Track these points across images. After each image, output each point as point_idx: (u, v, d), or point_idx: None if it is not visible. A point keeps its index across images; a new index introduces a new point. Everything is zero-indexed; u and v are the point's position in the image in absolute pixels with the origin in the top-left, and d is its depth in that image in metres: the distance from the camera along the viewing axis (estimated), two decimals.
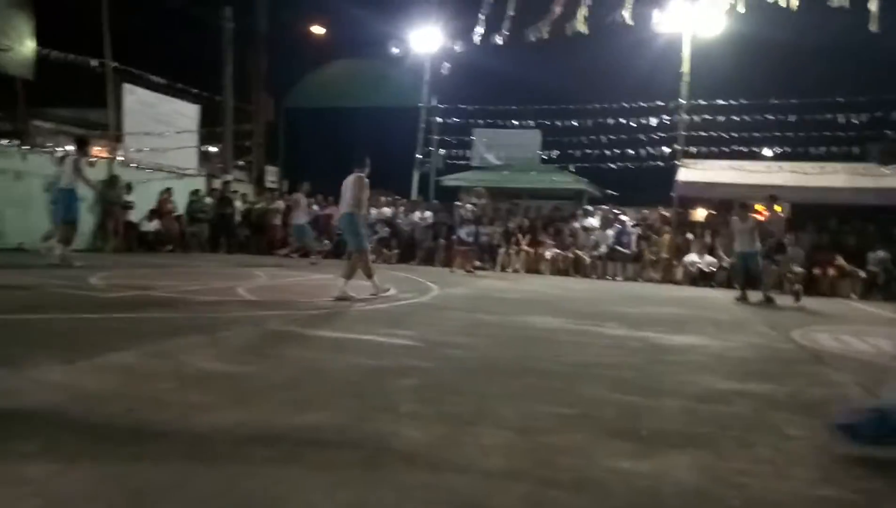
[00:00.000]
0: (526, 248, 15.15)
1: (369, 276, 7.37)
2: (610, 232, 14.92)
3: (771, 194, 12.12)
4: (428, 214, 16.33)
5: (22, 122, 14.85)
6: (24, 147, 12.14)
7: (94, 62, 14.36)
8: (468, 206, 13.65)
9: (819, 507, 2.11)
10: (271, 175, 20.66)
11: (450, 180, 20.57)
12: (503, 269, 14.85)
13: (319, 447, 2.34)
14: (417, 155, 19.88)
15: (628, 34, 14.33)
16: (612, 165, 18.54)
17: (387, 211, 16.91)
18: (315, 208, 16.90)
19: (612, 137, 18.01)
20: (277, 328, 4.98)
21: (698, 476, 2.27)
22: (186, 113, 17.57)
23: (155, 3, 17.41)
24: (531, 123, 20.10)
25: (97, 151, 14.47)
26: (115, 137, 15.01)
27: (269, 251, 15.42)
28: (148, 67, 16.21)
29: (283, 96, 22.25)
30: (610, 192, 20.47)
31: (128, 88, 15.58)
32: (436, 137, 20.84)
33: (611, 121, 17.79)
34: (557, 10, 12.99)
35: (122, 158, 15.02)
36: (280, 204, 16.76)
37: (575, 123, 18.55)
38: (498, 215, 16.42)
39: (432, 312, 6.64)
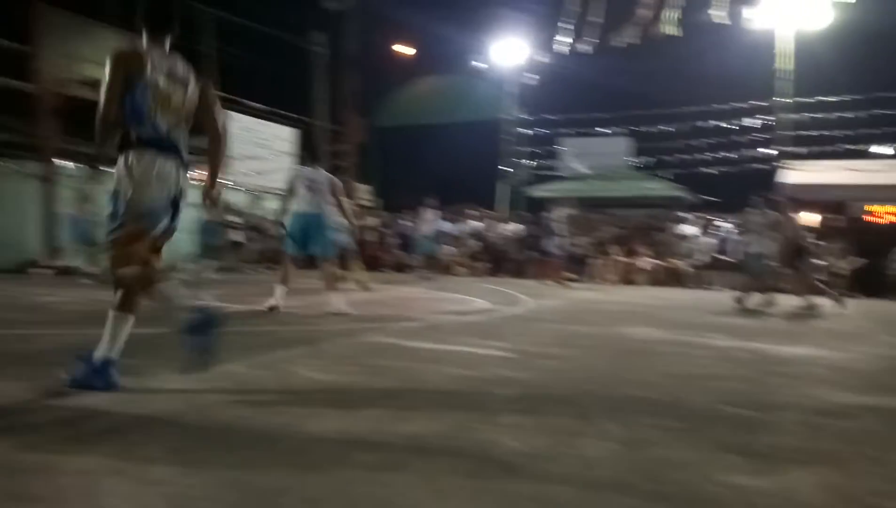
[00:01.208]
0: (619, 258, 14.76)
1: (330, 289, 6.87)
2: (710, 239, 14.29)
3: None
4: (517, 226, 16.27)
5: None
6: None
7: None
8: (557, 217, 13.45)
9: None
10: (364, 193, 21.28)
11: (537, 192, 20.42)
12: (595, 280, 14.53)
13: (423, 455, 2.35)
14: (504, 167, 19.86)
15: (719, 32, 13.78)
16: (707, 170, 17.80)
17: (476, 224, 16.99)
18: (405, 223, 17.25)
19: (706, 140, 17.32)
20: (375, 339, 5.08)
21: (827, 495, 2.10)
22: (283, 136, 18.42)
23: (252, 33, 18.39)
24: (620, 129, 19.65)
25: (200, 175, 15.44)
26: None
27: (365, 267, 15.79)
28: (248, 94, 17.17)
29: (372, 116, 22.90)
30: (707, 198, 19.63)
31: (230, 116, 16.53)
32: (522, 148, 20.77)
33: (704, 123, 17.11)
34: (644, 12, 12.67)
35: (226, 182, 15.91)
36: (372, 221, 17.20)
37: (666, 128, 17.98)
38: (588, 225, 16.12)
39: (525, 323, 6.58)
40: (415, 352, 4.56)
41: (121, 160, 3.07)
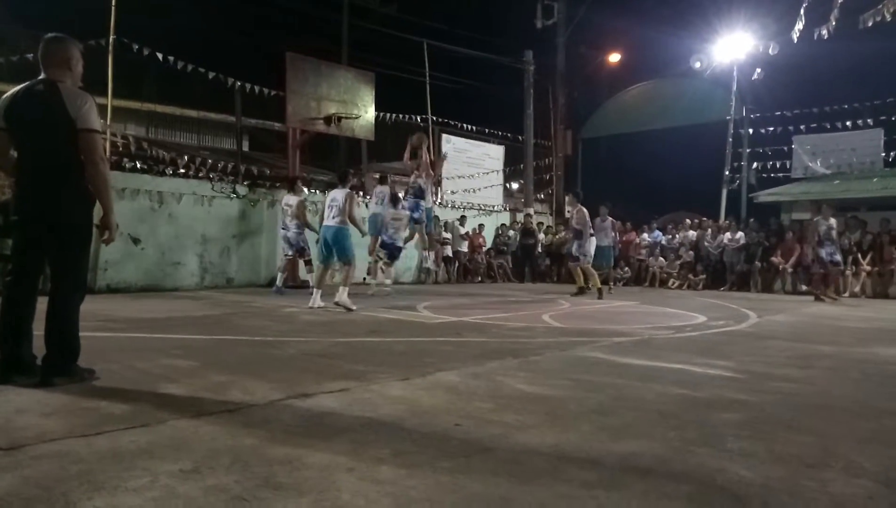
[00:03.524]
0: (866, 267, 12.87)
1: (345, 284, 8.04)
2: None
3: None
4: (739, 235, 14.93)
5: (365, 176, 17.65)
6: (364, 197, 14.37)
7: (418, 119, 16.53)
8: (828, 223, 11.55)
9: None
10: (570, 206, 21.10)
11: (764, 196, 18.56)
12: (838, 293, 12.81)
13: (640, 475, 2.25)
14: (726, 172, 18.35)
15: None
16: None
17: (691, 234, 15.93)
18: (614, 234, 16.74)
19: None
20: (584, 354, 4.99)
21: None
22: (493, 155, 19.01)
23: (462, 60, 19.29)
24: (870, 122, 17.13)
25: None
26: (435, 182, 16.91)
27: (570, 280, 15.64)
28: (461, 116, 18.05)
29: (579, 128, 22.67)
30: None
31: (445, 138, 17.50)
32: (746, 150, 19.06)
33: None
34: None
35: (440, 201, 16.82)
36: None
37: None
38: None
39: (752, 341, 6.01)
40: (628, 368, 4.39)
41: None
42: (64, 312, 3.49)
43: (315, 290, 8.29)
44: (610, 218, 13.34)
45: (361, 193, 15.17)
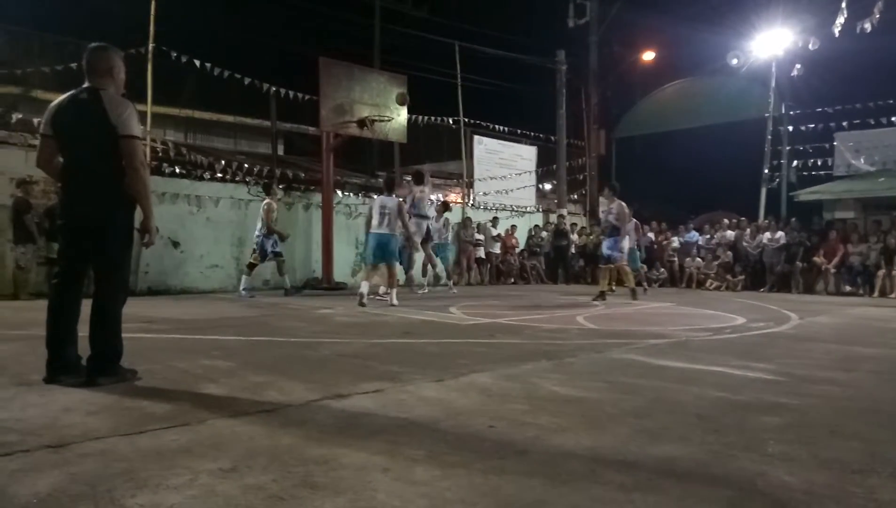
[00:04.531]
0: None
1: (391, 286, 9.06)
2: None
3: None
4: (780, 234, 14.58)
5: (398, 179, 17.73)
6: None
7: (450, 120, 16.56)
8: None
9: None
10: (604, 206, 20.87)
11: (805, 195, 18.11)
12: (882, 294, 12.43)
13: (678, 479, 2.22)
14: (765, 170, 17.94)
15: None
16: None
17: (729, 234, 15.60)
18: (650, 234, 16.52)
19: None
20: (620, 356, 4.94)
21: None
22: (525, 155, 18.92)
23: (493, 61, 19.27)
24: None
25: (454, 197, 16.53)
26: (467, 183, 16.91)
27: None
28: (492, 117, 18.03)
29: (613, 127, 22.43)
30: None
31: (477, 140, 17.48)
32: (786, 147, 18.61)
33: None
34: None
35: (473, 203, 16.82)
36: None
37: None
38: (875, 229, 13.86)
39: (794, 343, 5.86)
40: (664, 371, 4.33)
41: None
42: (107, 314, 3.59)
43: (364, 284, 8.84)
44: (634, 219, 13.14)
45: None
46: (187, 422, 2.82)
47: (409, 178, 12.19)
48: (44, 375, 3.55)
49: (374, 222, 8.80)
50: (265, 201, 10.36)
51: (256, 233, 10.33)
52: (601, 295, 10.48)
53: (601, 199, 11.05)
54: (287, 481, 2.14)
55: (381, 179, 11.42)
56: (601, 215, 11.48)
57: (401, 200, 9.15)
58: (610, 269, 10.82)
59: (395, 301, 8.81)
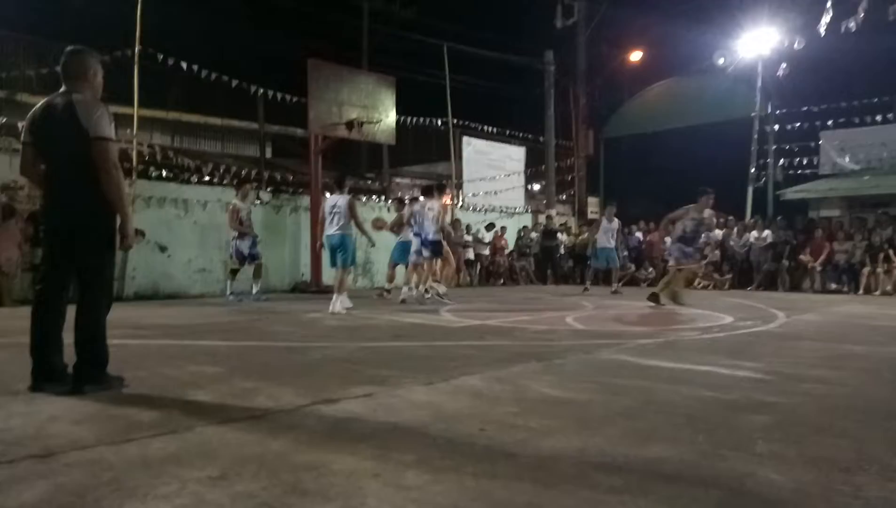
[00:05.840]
0: None
1: (339, 291, 8.15)
2: None
3: None
4: (766, 233, 14.69)
5: (386, 181, 17.71)
6: (388, 201, 14.41)
7: (439, 122, 16.56)
8: None
9: None
10: (593, 206, 20.96)
11: (792, 193, 18.25)
12: (867, 292, 12.56)
13: (667, 481, 2.22)
14: (751, 169, 18.06)
15: None
16: None
17: (717, 233, 15.69)
18: (638, 234, 16.60)
19: None
20: (609, 356, 4.95)
21: None
22: (514, 156, 18.97)
23: (482, 62, 19.29)
24: None
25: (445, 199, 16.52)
26: (456, 184, 16.91)
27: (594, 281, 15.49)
28: (481, 118, 18.05)
29: (601, 128, 22.51)
30: None
31: (466, 141, 17.50)
32: (772, 147, 18.74)
33: None
34: None
35: (462, 204, 16.83)
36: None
37: None
38: (860, 227, 14.00)
39: (781, 341, 5.91)
40: (654, 371, 4.34)
41: None
42: (91, 320, 3.54)
43: (404, 288, 8.68)
44: (616, 219, 13.17)
45: (384, 197, 15.27)
46: (175, 430, 2.80)
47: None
48: (28, 383, 3.50)
49: (326, 222, 8.25)
50: (230, 202, 10.14)
51: (229, 238, 10.12)
52: (654, 297, 9.43)
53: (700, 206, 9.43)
54: (277, 488, 2.13)
55: (370, 182, 11.08)
56: (689, 223, 9.69)
57: (351, 196, 8.45)
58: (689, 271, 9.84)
59: (337, 308, 7.97)
